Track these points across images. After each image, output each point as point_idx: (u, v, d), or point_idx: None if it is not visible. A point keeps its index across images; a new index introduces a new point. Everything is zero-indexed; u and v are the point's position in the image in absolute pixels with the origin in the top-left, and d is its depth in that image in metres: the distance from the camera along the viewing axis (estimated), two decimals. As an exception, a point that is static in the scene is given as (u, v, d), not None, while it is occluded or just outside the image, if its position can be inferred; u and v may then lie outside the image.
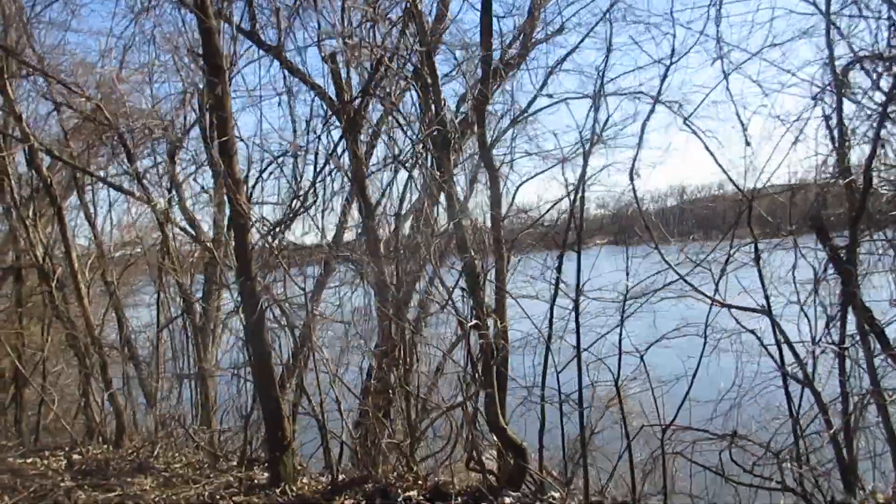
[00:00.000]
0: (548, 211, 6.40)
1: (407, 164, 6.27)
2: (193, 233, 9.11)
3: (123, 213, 9.93)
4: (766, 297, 5.04)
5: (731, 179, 5.35)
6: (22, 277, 9.71)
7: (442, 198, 5.96)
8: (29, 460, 8.03)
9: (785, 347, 4.99)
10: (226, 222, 7.55)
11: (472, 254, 5.47)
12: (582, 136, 5.02)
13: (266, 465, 7.51)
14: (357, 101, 7.46)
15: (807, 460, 5.00)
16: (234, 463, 7.61)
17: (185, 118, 9.15)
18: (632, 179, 5.27)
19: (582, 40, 6.06)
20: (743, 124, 5.12)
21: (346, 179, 6.18)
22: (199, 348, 7.77)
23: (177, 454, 8.12)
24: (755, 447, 5.18)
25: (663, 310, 5.83)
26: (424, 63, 5.37)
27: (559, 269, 5.92)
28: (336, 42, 7.44)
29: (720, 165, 5.22)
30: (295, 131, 8.55)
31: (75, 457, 8.11)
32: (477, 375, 5.65)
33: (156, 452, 7.66)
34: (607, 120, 5.00)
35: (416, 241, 5.65)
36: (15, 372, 11.48)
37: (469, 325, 5.31)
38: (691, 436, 5.38)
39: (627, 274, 5.30)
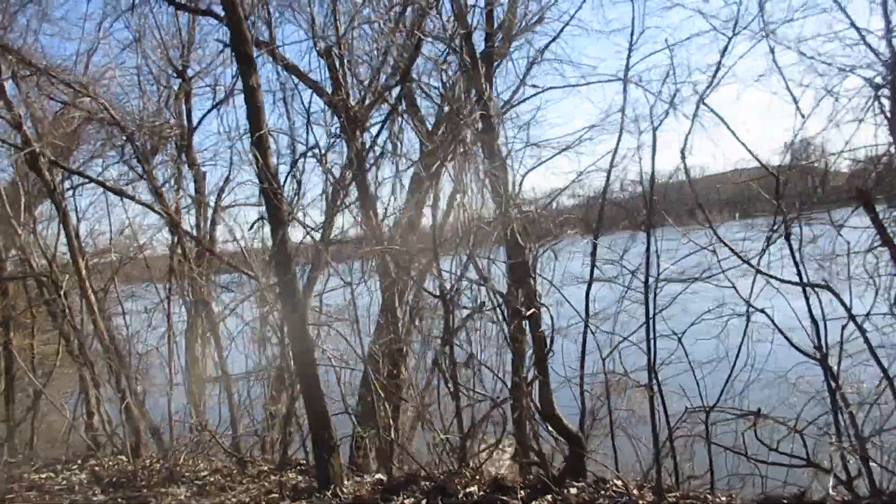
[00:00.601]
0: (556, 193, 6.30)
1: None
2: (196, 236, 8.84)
3: (101, 217, 9.45)
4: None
5: (755, 157, 5.29)
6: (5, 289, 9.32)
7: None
8: (43, 475, 7.72)
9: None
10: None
11: (521, 241, 5.32)
12: (652, 112, 4.86)
13: (299, 468, 7.38)
14: (360, 97, 7.44)
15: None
16: (264, 468, 7.41)
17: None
18: (683, 157, 5.16)
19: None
20: (795, 98, 5.03)
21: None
22: (220, 351, 7.52)
23: (199, 461, 7.89)
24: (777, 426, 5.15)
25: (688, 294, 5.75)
26: (464, 45, 5.19)
27: (593, 254, 5.81)
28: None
29: (743, 143, 5.10)
30: (291, 129, 8.47)
31: (96, 469, 7.83)
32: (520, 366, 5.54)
33: (181, 460, 7.42)
34: (675, 94, 4.84)
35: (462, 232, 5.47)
36: (6, 385, 11.12)
37: (527, 313, 5.17)
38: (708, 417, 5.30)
39: (651, 256, 5.18)
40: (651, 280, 4.96)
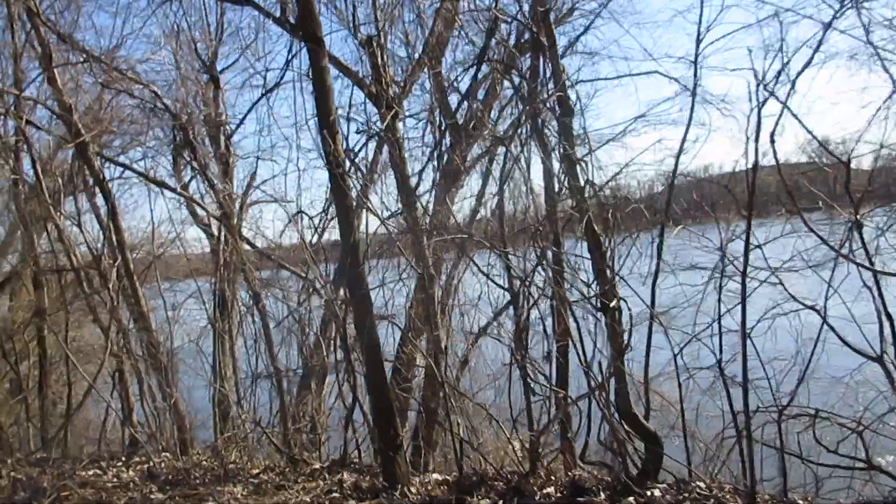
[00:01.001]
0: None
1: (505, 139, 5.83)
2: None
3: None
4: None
5: (823, 146, 5.00)
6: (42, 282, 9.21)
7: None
8: (90, 472, 7.59)
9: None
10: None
11: (599, 231, 5.09)
12: (759, 87, 4.54)
13: (352, 466, 7.18)
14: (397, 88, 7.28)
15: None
16: (315, 466, 7.23)
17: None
18: (773, 141, 4.88)
19: None
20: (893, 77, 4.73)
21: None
22: (270, 347, 7.34)
23: (248, 459, 7.73)
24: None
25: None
26: (541, 27, 4.96)
27: (660, 247, 5.55)
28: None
29: (809, 131, 4.81)
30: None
31: (146, 466, 7.69)
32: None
33: (233, 458, 7.27)
34: (782, 70, 4.54)
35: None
36: (40, 380, 11.02)
37: (611, 305, 4.92)
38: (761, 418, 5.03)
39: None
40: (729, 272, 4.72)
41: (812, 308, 4.84)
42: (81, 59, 6.97)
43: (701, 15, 5.05)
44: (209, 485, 6.31)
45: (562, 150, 5.00)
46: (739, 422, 4.93)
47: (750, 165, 4.54)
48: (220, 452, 7.20)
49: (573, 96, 4.98)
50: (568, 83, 4.96)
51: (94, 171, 7.38)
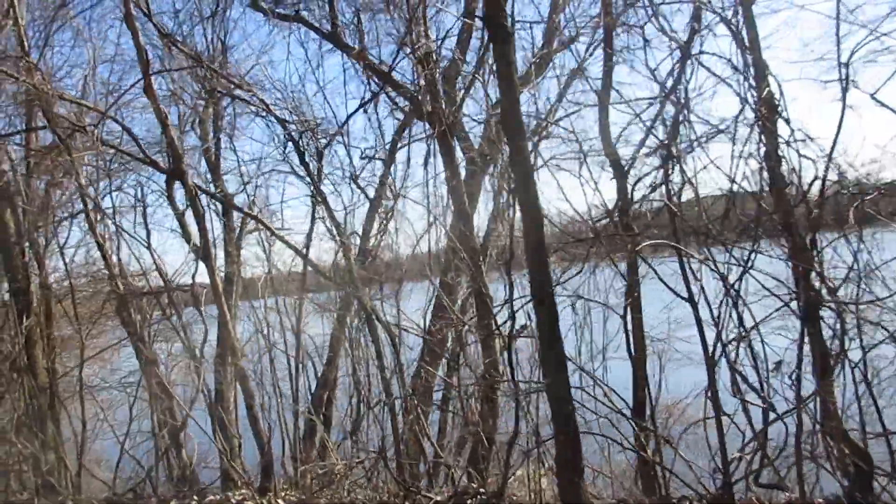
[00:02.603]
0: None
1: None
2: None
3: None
4: None
5: None
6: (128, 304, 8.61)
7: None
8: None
9: None
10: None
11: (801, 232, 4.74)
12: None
13: (479, 497, 6.67)
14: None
15: None
16: (437, 499, 6.71)
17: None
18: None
19: None
20: None
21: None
22: (400, 368, 6.79)
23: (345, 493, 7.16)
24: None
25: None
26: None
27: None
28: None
29: None
30: (382, 136, 8.13)
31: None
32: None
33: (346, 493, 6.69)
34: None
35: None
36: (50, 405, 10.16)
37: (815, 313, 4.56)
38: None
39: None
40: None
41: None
42: (191, 65, 6.47)
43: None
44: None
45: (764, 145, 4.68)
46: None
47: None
48: (332, 484, 6.63)
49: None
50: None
51: (196, 205, 6.84)
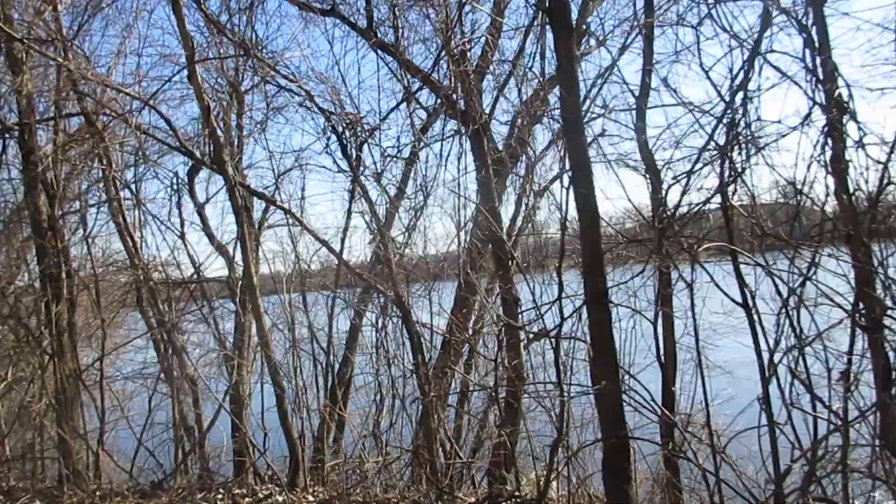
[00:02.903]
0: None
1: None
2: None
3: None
4: None
5: None
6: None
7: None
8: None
9: None
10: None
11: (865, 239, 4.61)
12: None
13: (515, 499, 6.57)
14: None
15: None
16: (470, 500, 6.61)
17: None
18: None
19: None
20: None
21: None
22: (446, 362, 6.67)
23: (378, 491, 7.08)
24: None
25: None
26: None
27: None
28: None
29: None
30: (415, 135, 8.03)
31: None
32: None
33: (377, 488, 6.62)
34: None
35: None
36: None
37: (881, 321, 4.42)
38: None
39: None
40: None
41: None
42: (240, 54, 6.39)
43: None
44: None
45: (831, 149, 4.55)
46: None
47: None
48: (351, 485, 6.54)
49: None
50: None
51: (235, 196, 6.75)
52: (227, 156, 6.72)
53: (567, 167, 4.74)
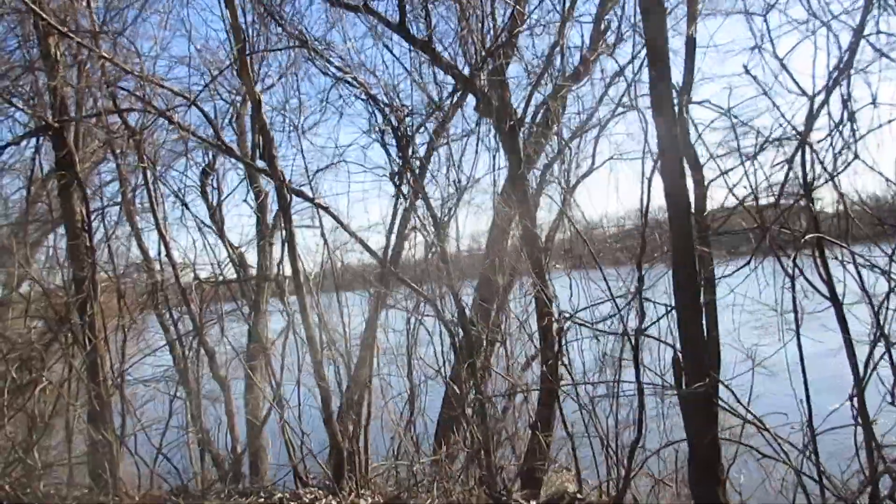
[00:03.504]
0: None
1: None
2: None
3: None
4: None
5: None
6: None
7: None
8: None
9: None
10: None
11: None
12: None
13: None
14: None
15: None
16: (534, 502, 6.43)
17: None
18: None
19: None
20: None
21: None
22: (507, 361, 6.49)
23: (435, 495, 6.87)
24: None
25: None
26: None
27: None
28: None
29: None
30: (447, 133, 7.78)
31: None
32: None
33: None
34: None
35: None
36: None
37: None
38: None
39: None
40: None
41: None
42: (293, 45, 6.20)
43: None
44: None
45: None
46: None
47: None
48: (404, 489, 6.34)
49: None
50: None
51: (283, 193, 6.57)
52: (276, 152, 6.52)
53: (655, 153, 4.55)
